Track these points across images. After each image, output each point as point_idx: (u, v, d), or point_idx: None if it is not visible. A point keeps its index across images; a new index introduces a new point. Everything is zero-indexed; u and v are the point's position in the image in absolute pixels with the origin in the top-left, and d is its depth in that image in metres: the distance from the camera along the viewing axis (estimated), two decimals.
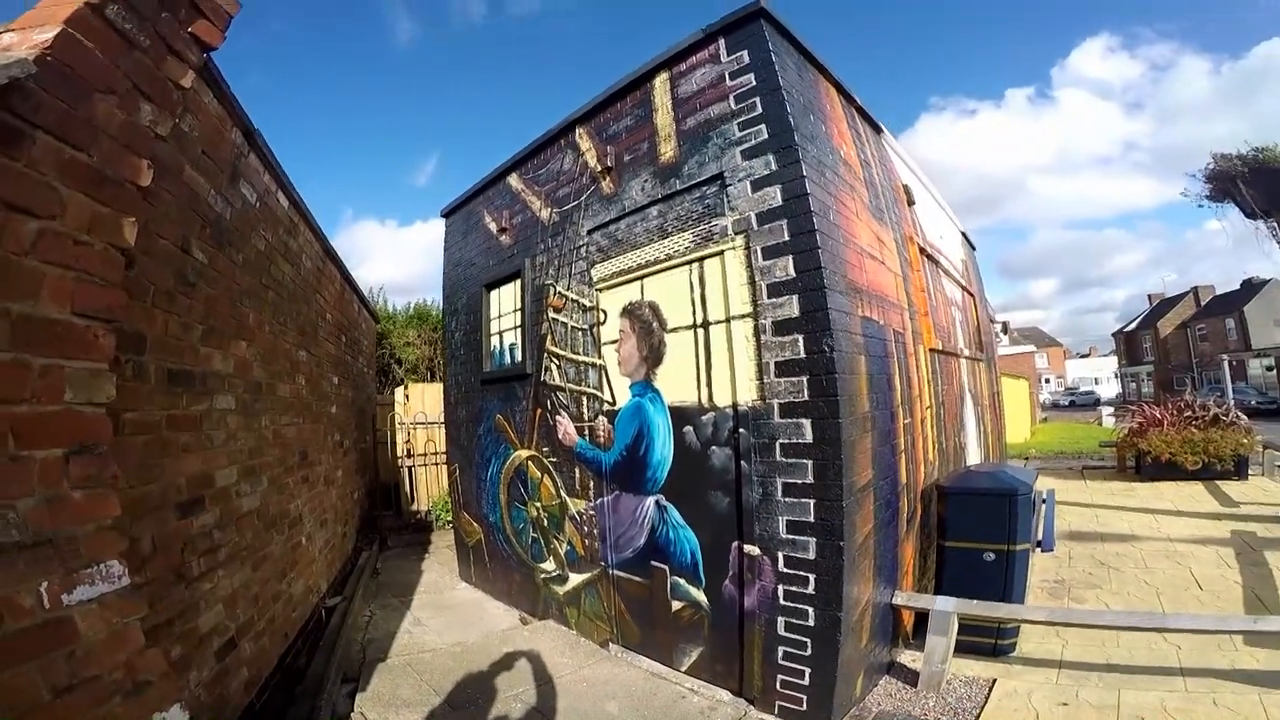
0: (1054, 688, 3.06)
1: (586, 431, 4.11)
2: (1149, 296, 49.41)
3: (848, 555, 2.81)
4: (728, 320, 3.23)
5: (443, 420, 6.35)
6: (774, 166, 3.05)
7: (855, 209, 3.50)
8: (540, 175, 4.71)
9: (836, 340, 2.80)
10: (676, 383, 3.51)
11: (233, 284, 3.45)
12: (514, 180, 5.01)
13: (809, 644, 2.90)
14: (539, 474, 4.56)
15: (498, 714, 3.18)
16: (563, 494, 4.31)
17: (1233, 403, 8.67)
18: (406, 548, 6.51)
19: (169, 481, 2.69)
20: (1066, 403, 39.82)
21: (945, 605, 3.26)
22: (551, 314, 4.45)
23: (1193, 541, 5.20)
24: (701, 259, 3.39)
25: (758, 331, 3.06)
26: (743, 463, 3.13)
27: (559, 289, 4.39)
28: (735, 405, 3.18)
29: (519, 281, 4.80)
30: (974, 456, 5.87)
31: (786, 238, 2.97)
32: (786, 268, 2.95)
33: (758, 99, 3.15)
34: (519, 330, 4.81)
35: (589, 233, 4.14)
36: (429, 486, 7.51)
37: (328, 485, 5.43)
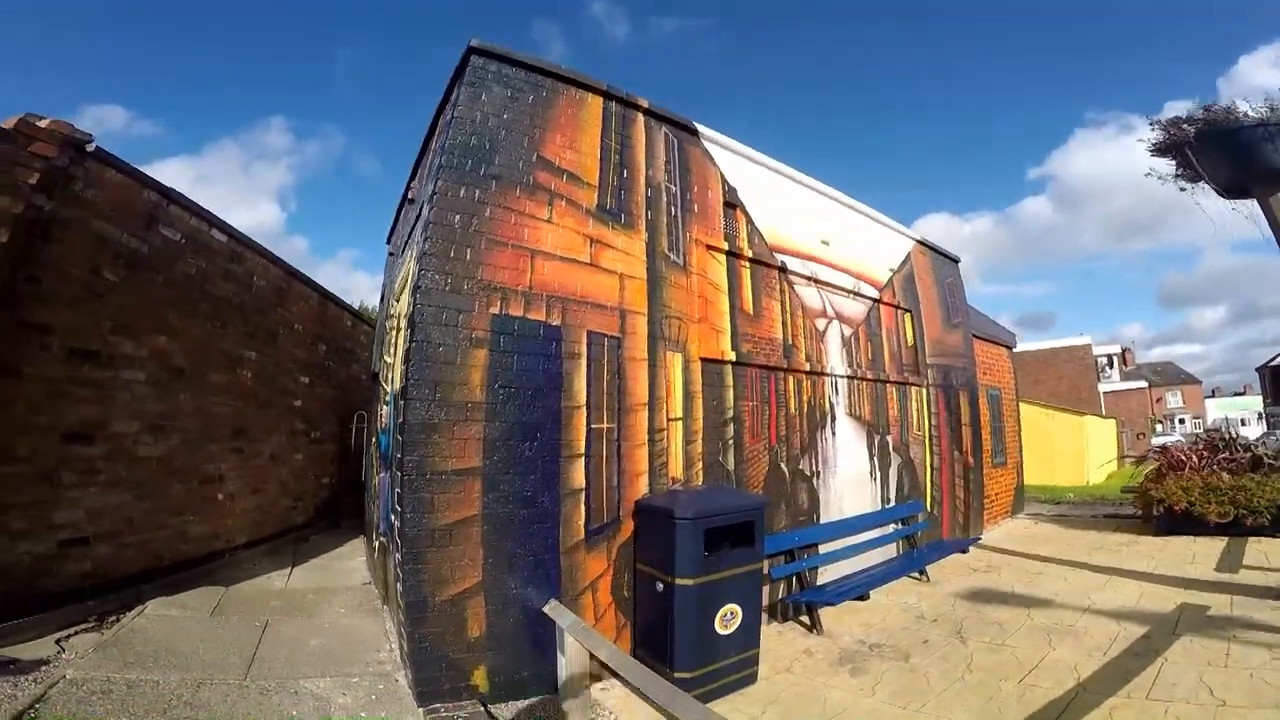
0: None
1: (384, 417, 4.82)
2: None
3: (411, 532, 3.09)
4: (406, 316, 3.77)
5: None
6: (435, 184, 3.55)
7: (548, 214, 3.77)
8: (410, 205, 5.61)
9: (425, 333, 3.24)
10: (398, 372, 4.09)
11: (152, 295, 4.76)
12: (406, 208, 5.98)
13: (404, 615, 3.14)
14: (376, 456, 5.34)
15: (237, 625, 4.00)
16: (376, 472, 5.03)
17: None
18: (353, 529, 7.58)
19: (60, 417, 3.93)
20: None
21: (563, 622, 3.16)
22: (390, 321, 5.28)
23: (1114, 615, 4.21)
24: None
25: (409, 324, 3.57)
26: (399, 436, 3.60)
27: (395, 300, 5.21)
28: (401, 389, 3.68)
29: (391, 294, 5.72)
30: (852, 485, 5.43)
31: (425, 246, 3.46)
32: (418, 272, 3.44)
33: (450, 127, 3.67)
34: (385, 337, 5.71)
35: (404, 252, 4.92)
36: None
37: (275, 462, 6.66)
